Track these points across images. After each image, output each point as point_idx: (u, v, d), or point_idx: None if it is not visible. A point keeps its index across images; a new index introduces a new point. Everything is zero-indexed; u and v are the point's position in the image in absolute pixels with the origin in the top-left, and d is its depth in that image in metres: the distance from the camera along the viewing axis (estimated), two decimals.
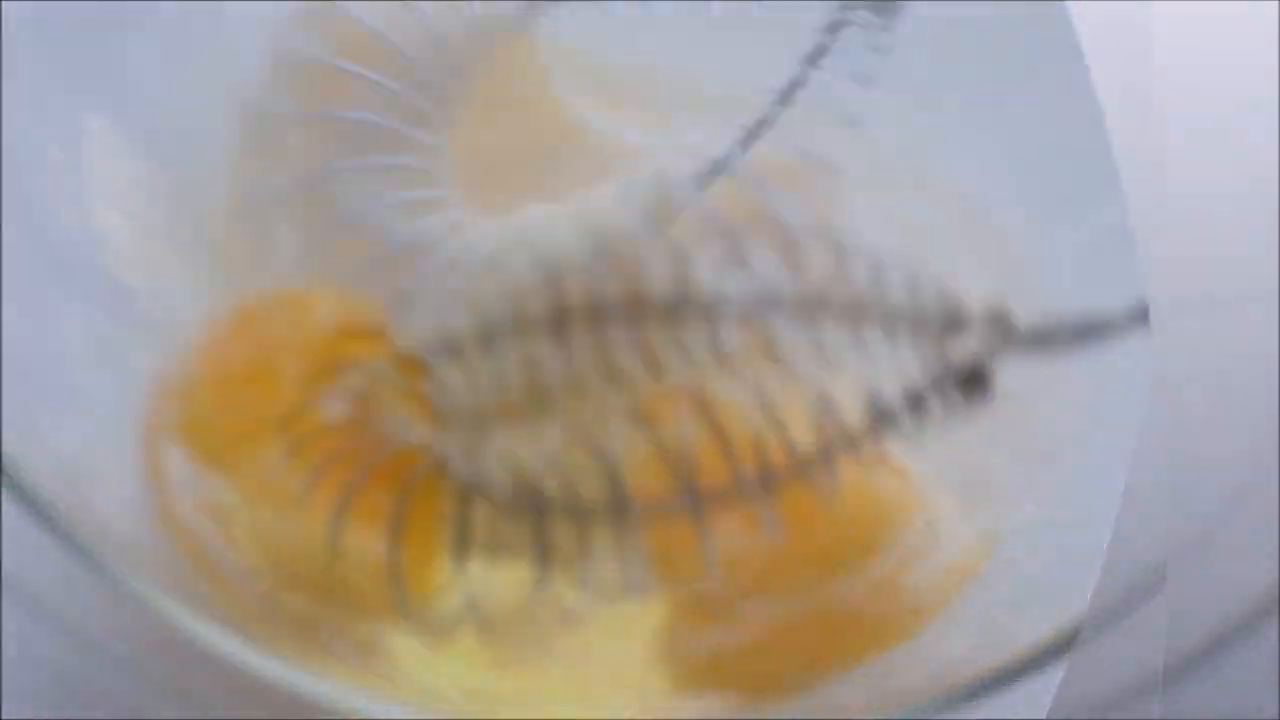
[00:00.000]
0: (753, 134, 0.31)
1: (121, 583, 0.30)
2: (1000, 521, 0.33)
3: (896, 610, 0.32)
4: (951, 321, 0.30)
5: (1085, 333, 0.31)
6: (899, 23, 0.31)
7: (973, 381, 0.30)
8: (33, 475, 0.30)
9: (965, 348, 0.30)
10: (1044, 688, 0.28)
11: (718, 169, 0.31)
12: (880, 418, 0.29)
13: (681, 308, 0.29)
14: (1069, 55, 0.33)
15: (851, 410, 0.29)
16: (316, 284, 0.33)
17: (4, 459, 0.31)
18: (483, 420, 0.30)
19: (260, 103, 0.34)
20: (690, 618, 0.31)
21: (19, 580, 0.27)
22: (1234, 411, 0.33)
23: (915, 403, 0.30)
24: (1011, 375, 0.30)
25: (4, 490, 0.30)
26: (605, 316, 0.29)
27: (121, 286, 0.34)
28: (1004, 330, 0.30)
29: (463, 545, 0.29)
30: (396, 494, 0.29)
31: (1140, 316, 0.31)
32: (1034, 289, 0.33)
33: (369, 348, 0.31)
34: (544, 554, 0.30)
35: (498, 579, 0.30)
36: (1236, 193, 0.33)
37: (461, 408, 0.30)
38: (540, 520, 0.29)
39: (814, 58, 0.31)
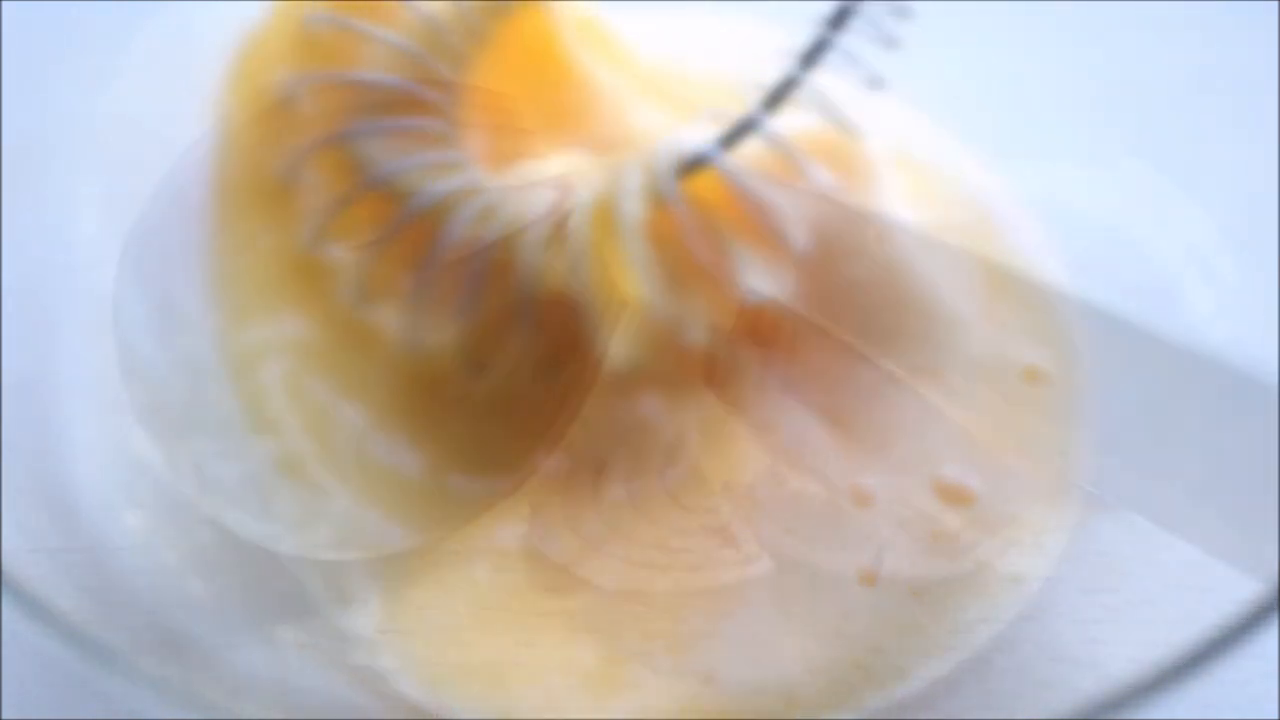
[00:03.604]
0: (777, 96, 0.32)
1: None
2: None
3: None
4: None
5: None
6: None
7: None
8: None
9: None
10: None
11: (742, 130, 0.32)
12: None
13: None
14: None
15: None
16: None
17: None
18: None
19: (267, 72, 0.33)
20: None
21: (19, 580, 0.27)
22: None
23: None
24: None
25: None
26: None
27: None
28: None
29: None
30: None
31: None
32: None
33: None
34: None
35: None
36: None
37: None
38: None
39: (836, 22, 0.31)
